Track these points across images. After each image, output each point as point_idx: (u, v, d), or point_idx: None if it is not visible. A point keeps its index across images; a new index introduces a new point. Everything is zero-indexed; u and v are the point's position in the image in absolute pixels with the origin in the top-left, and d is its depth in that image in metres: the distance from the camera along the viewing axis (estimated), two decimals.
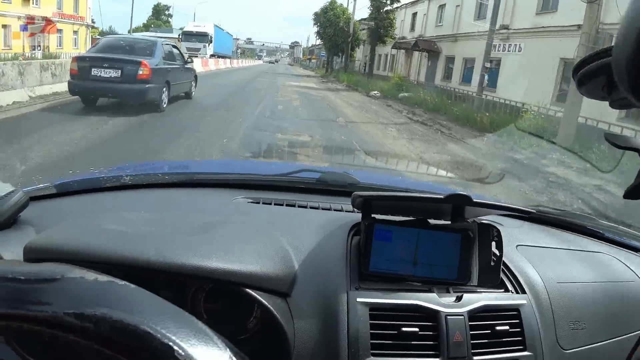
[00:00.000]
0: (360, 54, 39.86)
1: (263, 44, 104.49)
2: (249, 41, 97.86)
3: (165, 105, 7.99)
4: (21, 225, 0.93)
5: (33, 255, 0.73)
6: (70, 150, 4.89)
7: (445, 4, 23.98)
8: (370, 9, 25.35)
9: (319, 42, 77.30)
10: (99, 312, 0.46)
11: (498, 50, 18.34)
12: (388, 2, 25.00)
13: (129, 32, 35.59)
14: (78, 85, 7.28)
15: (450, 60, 22.68)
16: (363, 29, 33.46)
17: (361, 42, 36.14)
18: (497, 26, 17.91)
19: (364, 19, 30.76)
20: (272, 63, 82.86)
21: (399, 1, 25.34)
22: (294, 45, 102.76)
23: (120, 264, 0.69)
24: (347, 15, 34.77)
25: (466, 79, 20.70)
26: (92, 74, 7.09)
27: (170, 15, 75.98)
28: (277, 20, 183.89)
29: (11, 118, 6.55)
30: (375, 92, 18.24)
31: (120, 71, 7.11)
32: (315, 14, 36.07)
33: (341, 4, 35.80)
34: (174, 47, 9.41)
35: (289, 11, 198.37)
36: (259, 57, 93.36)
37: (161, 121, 7.22)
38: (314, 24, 36.36)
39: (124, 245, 0.74)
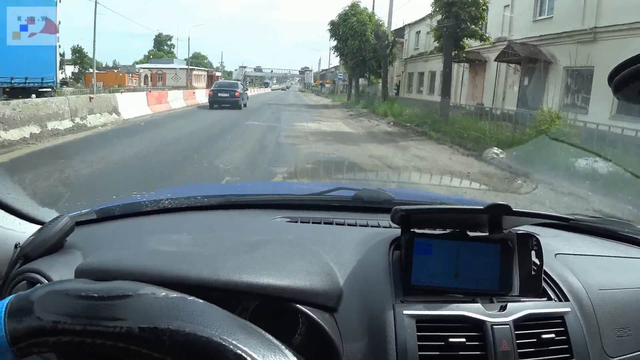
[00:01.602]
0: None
1: (272, 71, 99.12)
2: (258, 69, 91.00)
3: (243, 107, 19.93)
4: (68, 249, 0.96)
5: (86, 277, 0.74)
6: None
7: None
8: None
9: (332, 64, 69.38)
10: (173, 326, 0.48)
11: None
12: None
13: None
14: (212, 100, 19.09)
15: (582, 74, 12.91)
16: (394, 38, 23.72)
17: (395, 57, 26.43)
18: None
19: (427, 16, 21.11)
20: (284, 90, 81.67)
21: None
22: (304, 71, 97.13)
23: (174, 283, 0.69)
24: (376, 21, 25.30)
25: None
26: (218, 95, 19.16)
27: (172, 46, 75.69)
28: (286, 47, 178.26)
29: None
30: (495, 150, 8.02)
31: (228, 94, 19.10)
32: (332, 23, 26.45)
33: (365, 8, 26.19)
34: (241, 83, 24.63)
35: (298, 38, 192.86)
36: (266, 85, 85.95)
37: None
38: (331, 37, 26.86)
39: (176, 264, 0.75)
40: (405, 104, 19.37)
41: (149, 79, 48.79)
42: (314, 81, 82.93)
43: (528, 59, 14.15)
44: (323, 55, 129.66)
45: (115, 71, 46.82)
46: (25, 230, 0.97)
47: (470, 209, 0.91)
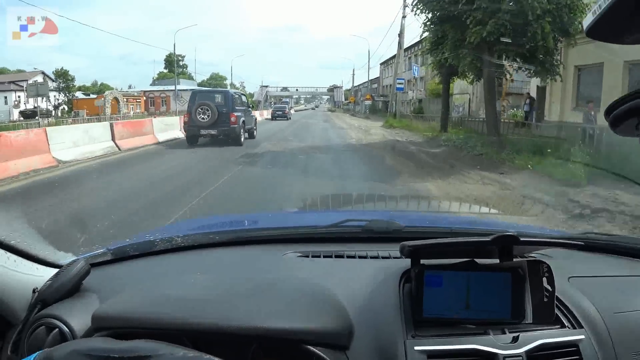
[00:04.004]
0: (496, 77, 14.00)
1: (297, 89, 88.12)
2: (284, 89, 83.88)
3: (290, 119, 37.80)
4: (84, 292, 0.98)
5: (102, 324, 0.78)
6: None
7: None
8: None
9: (372, 75, 54.67)
10: None
11: None
12: None
13: None
14: (273, 115, 39.69)
15: None
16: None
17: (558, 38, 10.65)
18: None
19: None
20: (313, 109, 78.94)
21: None
22: (333, 88, 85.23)
23: (188, 331, 0.73)
24: None
25: None
26: (276, 113, 40.35)
27: (185, 66, 66.19)
28: (312, 69, 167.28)
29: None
30: None
31: (282, 112, 40.85)
32: None
33: None
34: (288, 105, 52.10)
35: (324, 59, 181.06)
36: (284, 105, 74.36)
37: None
38: None
39: (190, 311, 0.78)
40: None
41: (151, 103, 47.52)
42: (350, 98, 69.74)
43: None
44: (358, 67, 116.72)
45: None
46: (43, 275, 0.98)
47: (479, 241, 0.92)
